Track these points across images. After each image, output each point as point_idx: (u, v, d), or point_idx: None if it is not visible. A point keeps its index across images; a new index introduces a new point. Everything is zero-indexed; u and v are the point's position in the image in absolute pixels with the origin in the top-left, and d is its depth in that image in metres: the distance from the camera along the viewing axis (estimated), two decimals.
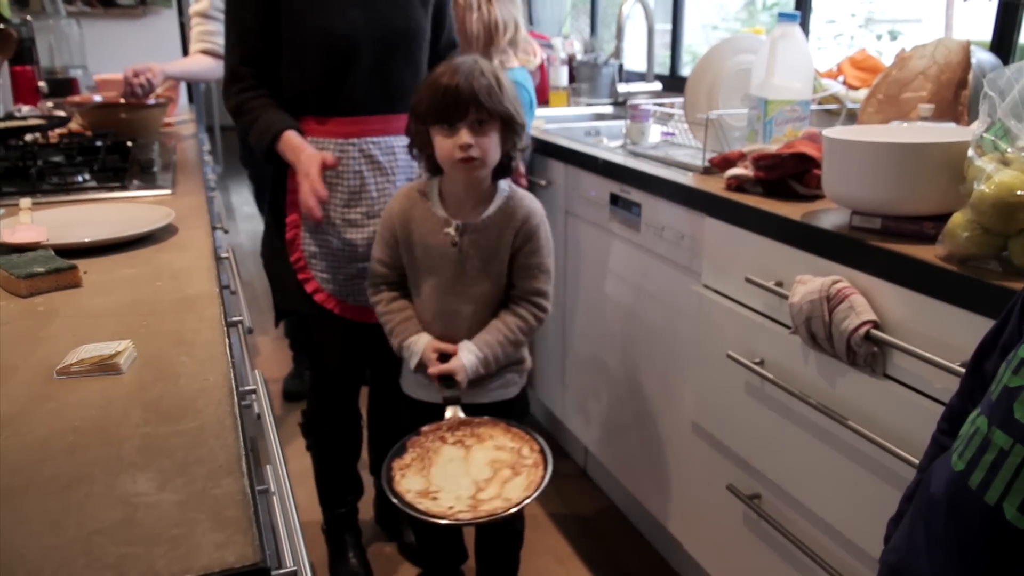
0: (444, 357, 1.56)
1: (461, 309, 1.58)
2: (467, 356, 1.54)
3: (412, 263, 1.61)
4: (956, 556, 0.76)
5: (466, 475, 1.31)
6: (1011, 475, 0.70)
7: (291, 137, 1.63)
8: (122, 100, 2.42)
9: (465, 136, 1.46)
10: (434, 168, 1.57)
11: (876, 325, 1.23)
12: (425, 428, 1.44)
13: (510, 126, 1.51)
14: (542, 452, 1.36)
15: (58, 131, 2.28)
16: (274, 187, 1.79)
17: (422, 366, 1.58)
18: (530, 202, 1.60)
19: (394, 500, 1.26)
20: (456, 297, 1.58)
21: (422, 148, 1.55)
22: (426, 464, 1.34)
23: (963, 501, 0.75)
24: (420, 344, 1.59)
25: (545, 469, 1.31)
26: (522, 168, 1.86)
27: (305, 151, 1.60)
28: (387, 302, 1.65)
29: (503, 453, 1.35)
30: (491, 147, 1.50)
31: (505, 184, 1.59)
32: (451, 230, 1.55)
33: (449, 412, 1.49)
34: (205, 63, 2.58)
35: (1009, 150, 1.12)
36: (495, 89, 1.47)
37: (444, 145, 1.49)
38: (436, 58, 1.82)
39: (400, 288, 1.66)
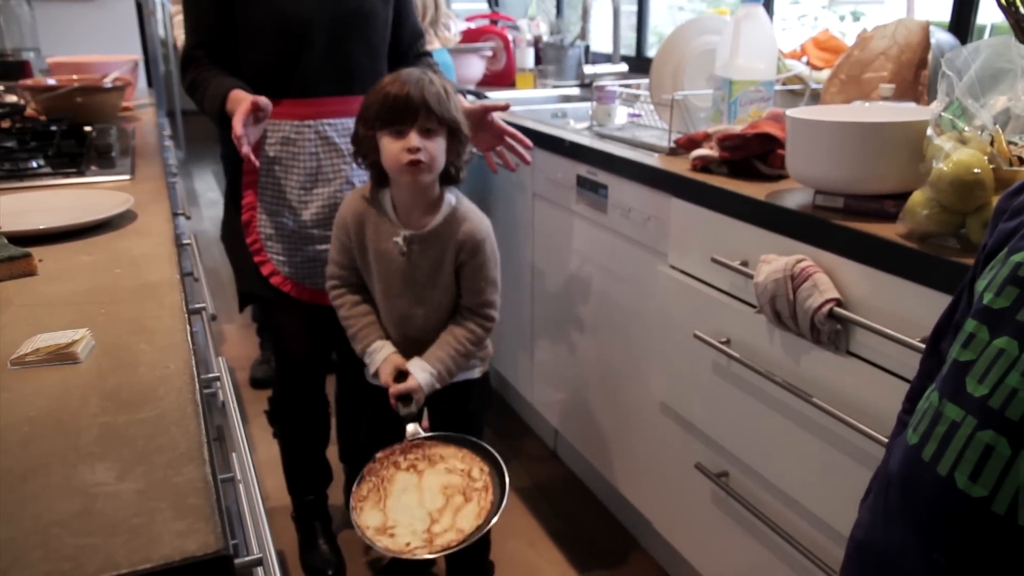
0: (401, 375, 1.57)
1: (414, 312, 1.60)
2: (421, 375, 1.55)
3: (366, 267, 1.62)
4: (912, 526, 0.78)
5: (420, 505, 1.36)
6: (962, 445, 0.72)
7: (237, 93, 1.58)
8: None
9: (413, 139, 1.46)
10: (380, 178, 1.57)
11: (839, 303, 1.25)
12: (379, 454, 1.46)
13: (456, 135, 1.52)
14: (492, 472, 1.40)
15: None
16: (231, 166, 1.76)
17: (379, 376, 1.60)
18: (475, 217, 1.59)
19: (362, 536, 1.33)
20: (408, 300, 1.59)
21: (367, 155, 1.55)
22: (382, 495, 1.38)
23: (917, 473, 0.77)
24: (381, 355, 1.60)
25: (495, 491, 1.37)
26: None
27: (244, 99, 1.55)
28: (349, 306, 1.65)
29: (454, 476, 1.40)
30: (438, 152, 1.50)
31: (452, 196, 1.59)
32: (399, 240, 1.55)
33: (410, 428, 1.52)
34: None
35: (966, 129, 1.13)
36: (444, 98, 1.48)
37: (391, 149, 1.48)
38: (399, 45, 1.80)
39: (361, 289, 1.66)
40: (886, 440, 1.13)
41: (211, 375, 1.09)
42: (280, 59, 1.64)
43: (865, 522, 0.87)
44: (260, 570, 0.74)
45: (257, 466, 1.79)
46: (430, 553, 1.29)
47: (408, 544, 1.29)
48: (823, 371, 1.30)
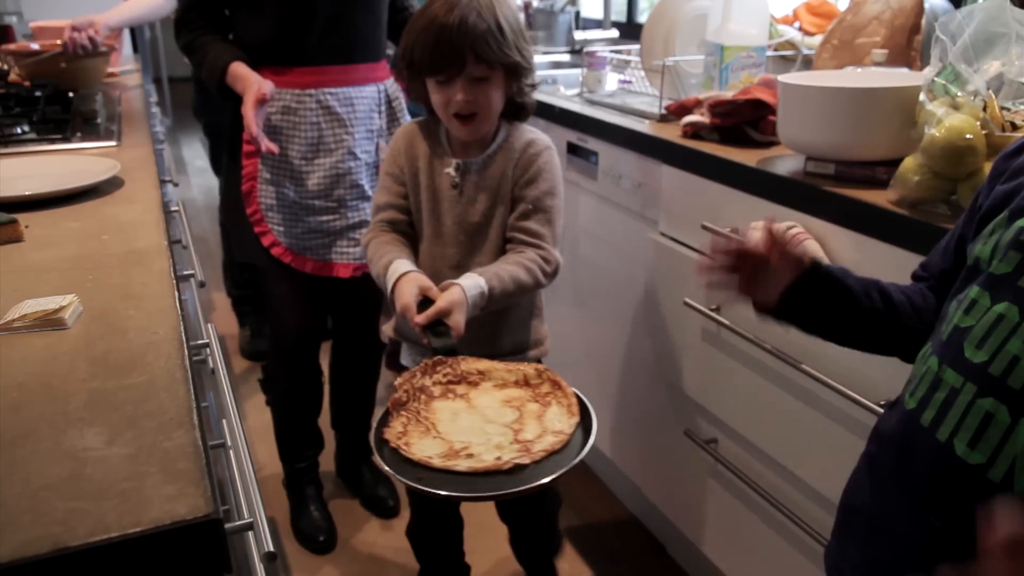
0: (426, 302, 1.23)
1: (464, 264, 1.36)
2: (464, 281, 1.23)
3: (418, 208, 1.40)
4: (907, 491, 0.78)
5: (488, 422, 1.03)
6: (961, 412, 0.72)
7: (237, 68, 1.59)
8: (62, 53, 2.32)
9: (460, 93, 1.27)
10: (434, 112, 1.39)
11: None
12: (398, 381, 1.11)
13: (515, 72, 1.31)
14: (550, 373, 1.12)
15: None
16: (231, 136, 1.75)
17: (404, 306, 1.23)
18: (533, 132, 1.39)
19: (412, 484, 0.95)
20: (457, 249, 1.38)
21: (418, 94, 1.36)
22: (428, 426, 1.03)
23: (915, 438, 0.77)
24: (399, 270, 1.27)
25: (570, 391, 1.08)
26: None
27: (248, 81, 1.56)
28: (378, 243, 1.37)
29: (511, 390, 1.10)
30: (492, 101, 1.31)
31: (507, 123, 1.40)
32: (451, 170, 1.36)
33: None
34: (148, 4, 2.46)
35: (959, 94, 1.13)
36: (495, 34, 1.26)
37: (437, 99, 1.31)
38: (394, 3, 1.78)
39: (404, 234, 1.41)
40: (875, 406, 1.14)
41: (200, 342, 1.09)
42: (283, 28, 1.63)
43: (855, 487, 0.88)
44: (251, 535, 0.74)
45: (247, 433, 1.79)
46: (531, 460, 0.94)
47: (499, 458, 0.94)
48: (811, 338, 1.30)
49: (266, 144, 1.53)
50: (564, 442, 0.98)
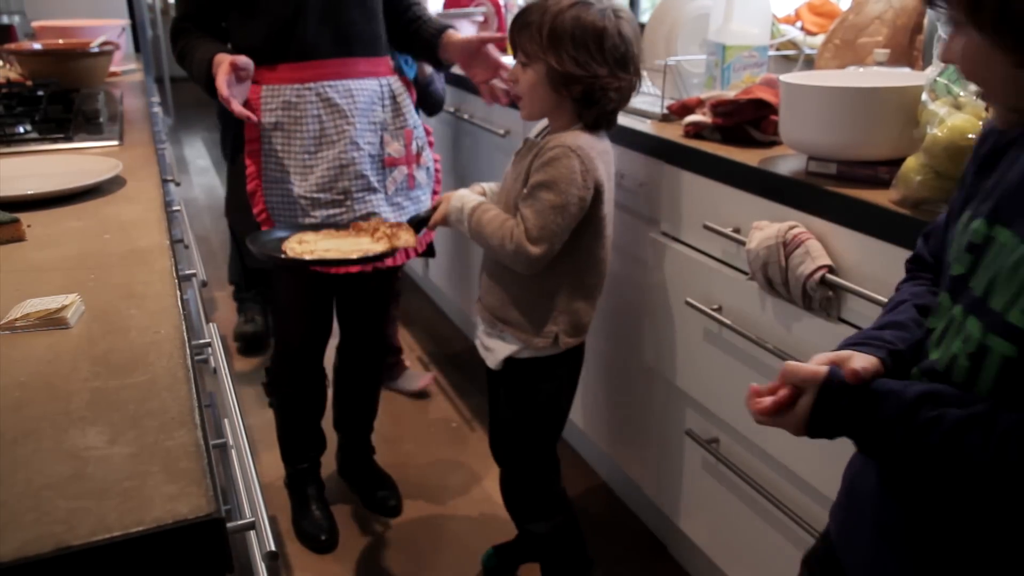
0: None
1: None
2: (462, 192, 1.57)
3: None
4: (915, 478, 0.80)
5: (348, 245, 1.51)
6: None
7: (219, 58, 1.58)
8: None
9: (512, 67, 1.51)
10: None
11: (831, 270, 1.25)
12: (376, 219, 1.64)
13: (554, 73, 1.42)
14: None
15: None
16: (234, 137, 1.74)
17: None
18: (575, 137, 1.46)
19: (252, 246, 1.48)
20: (503, 207, 1.55)
21: None
22: (340, 235, 1.57)
23: (923, 426, 0.78)
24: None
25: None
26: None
27: (221, 58, 1.56)
28: None
29: (388, 249, 1.53)
30: (528, 87, 1.47)
31: (578, 126, 1.49)
32: (521, 143, 1.56)
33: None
34: None
35: (962, 94, 1.13)
36: (530, 30, 1.43)
37: None
38: (396, 5, 1.78)
39: None
40: None
41: (202, 341, 1.09)
42: (277, 24, 1.62)
43: (860, 469, 0.90)
44: (252, 534, 0.74)
45: (249, 433, 1.79)
46: (310, 258, 1.44)
47: (300, 252, 1.46)
48: (815, 338, 1.30)
49: (238, 108, 1.52)
50: (329, 258, 1.46)
